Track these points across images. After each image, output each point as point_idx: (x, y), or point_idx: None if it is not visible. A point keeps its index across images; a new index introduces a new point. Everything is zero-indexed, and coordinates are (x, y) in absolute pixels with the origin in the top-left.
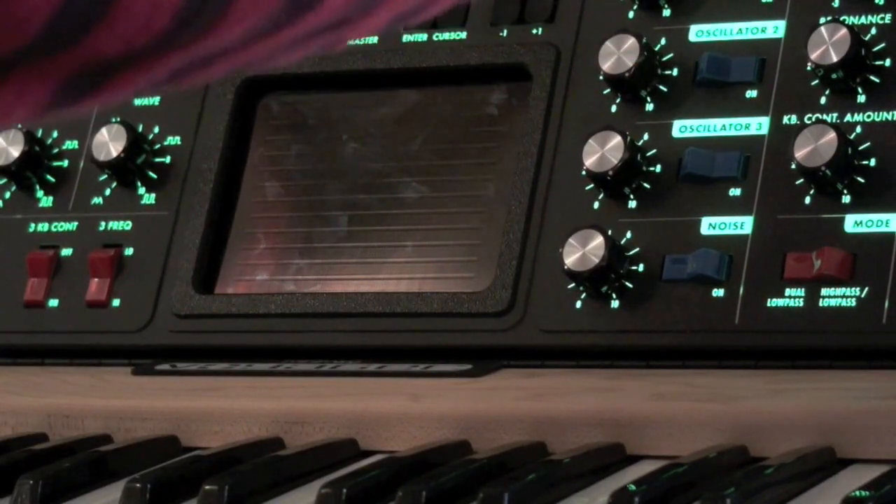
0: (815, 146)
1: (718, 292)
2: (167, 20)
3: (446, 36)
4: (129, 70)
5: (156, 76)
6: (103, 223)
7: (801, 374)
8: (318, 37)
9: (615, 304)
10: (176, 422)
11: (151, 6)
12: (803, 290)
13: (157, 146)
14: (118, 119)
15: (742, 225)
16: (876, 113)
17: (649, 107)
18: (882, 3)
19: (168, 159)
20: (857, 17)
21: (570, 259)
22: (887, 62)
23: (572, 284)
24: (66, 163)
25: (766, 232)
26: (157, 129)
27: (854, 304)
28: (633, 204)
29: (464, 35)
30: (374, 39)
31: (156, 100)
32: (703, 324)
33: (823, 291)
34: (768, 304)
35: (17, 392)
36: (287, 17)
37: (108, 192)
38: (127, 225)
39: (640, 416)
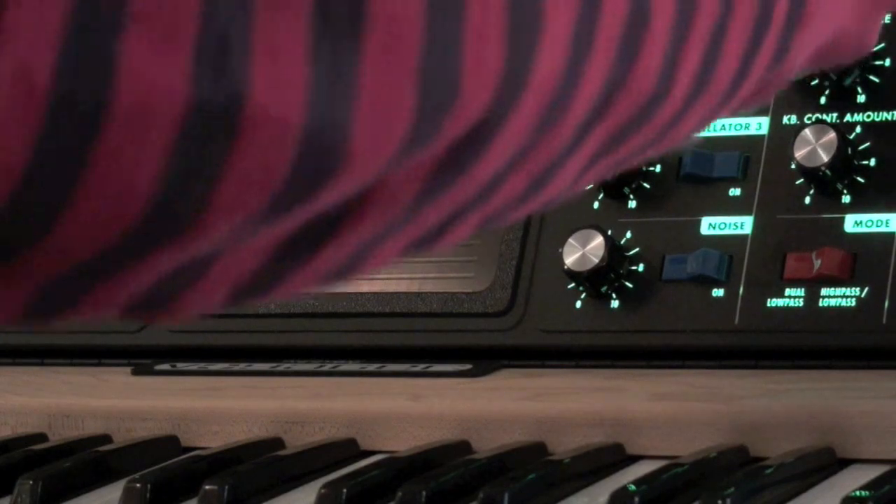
0: (814, 146)
1: (718, 292)
2: (138, 208)
3: None
4: (107, 280)
5: (140, 287)
6: None
7: (801, 374)
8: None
9: (615, 304)
10: (176, 422)
11: (123, 187)
12: (803, 289)
13: None
14: None
15: (742, 225)
16: (876, 113)
17: None
18: None
19: None
20: None
21: (570, 259)
22: (887, 62)
23: (572, 284)
24: None
25: (765, 232)
26: None
27: (854, 303)
28: (632, 204)
29: None
30: None
31: None
32: (703, 324)
33: (823, 291)
34: (768, 304)
35: (17, 392)
36: (270, 213)
37: None
38: None
39: (640, 416)
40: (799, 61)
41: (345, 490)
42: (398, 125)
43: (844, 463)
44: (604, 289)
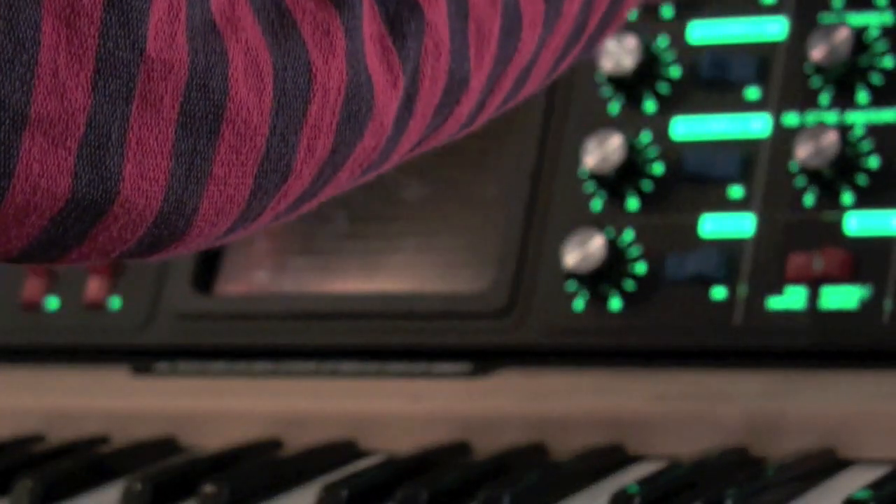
0: (816, 146)
1: (719, 292)
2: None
3: None
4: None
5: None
6: None
7: (802, 375)
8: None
9: (615, 304)
10: (175, 422)
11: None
12: (804, 290)
13: None
14: None
15: (743, 225)
16: (877, 113)
17: (649, 106)
18: (882, 3)
19: None
20: (857, 17)
21: (570, 259)
22: (888, 62)
23: (572, 284)
24: None
25: (767, 232)
26: None
27: (855, 304)
28: (633, 204)
29: None
30: None
31: None
32: (703, 324)
33: (824, 291)
34: (769, 304)
35: (16, 392)
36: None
37: None
38: None
39: (640, 416)
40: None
41: (344, 491)
42: (235, 207)
43: (846, 463)
44: (604, 289)
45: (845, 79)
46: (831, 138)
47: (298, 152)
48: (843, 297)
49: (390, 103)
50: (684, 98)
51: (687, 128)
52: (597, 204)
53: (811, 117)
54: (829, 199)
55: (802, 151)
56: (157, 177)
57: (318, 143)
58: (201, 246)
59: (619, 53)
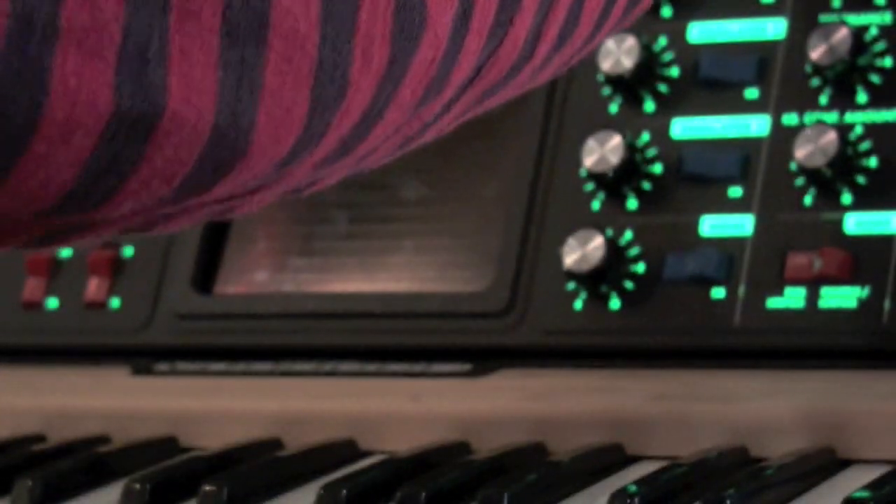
0: (815, 146)
1: (718, 292)
2: (53, 199)
3: None
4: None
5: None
6: None
7: (801, 375)
8: (206, 208)
9: (615, 304)
10: (175, 422)
11: (42, 186)
12: (804, 290)
13: None
14: None
15: (742, 225)
16: (876, 113)
17: (649, 106)
18: (882, 3)
19: None
20: (857, 17)
21: (570, 259)
22: (888, 62)
23: (572, 284)
24: None
25: (766, 232)
26: None
27: (855, 304)
28: (632, 204)
29: None
30: None
31: None
32: (703, 324)
33: (824, 291)
34: (768, 304)
35: (16, 392)
36: (175, 198)
37: None
38: None
39: (640, 416)
40: None
41: (344, 491)
42: (296, 122)
43: (845, 463)
44: (604, 289)
45: (844, 79)
46: (830, 138)
47: (354, 62)
48: (842, 297)
49: (445, 13)
50: (684, 98)
51: (686, 128)
52: (596, 204)
53: (810, 117)
54: (828, 199)
55: (802, 151)
56: (205, 88)
57: (372, 52)
58: (266, 169)
59: (618, 53)
